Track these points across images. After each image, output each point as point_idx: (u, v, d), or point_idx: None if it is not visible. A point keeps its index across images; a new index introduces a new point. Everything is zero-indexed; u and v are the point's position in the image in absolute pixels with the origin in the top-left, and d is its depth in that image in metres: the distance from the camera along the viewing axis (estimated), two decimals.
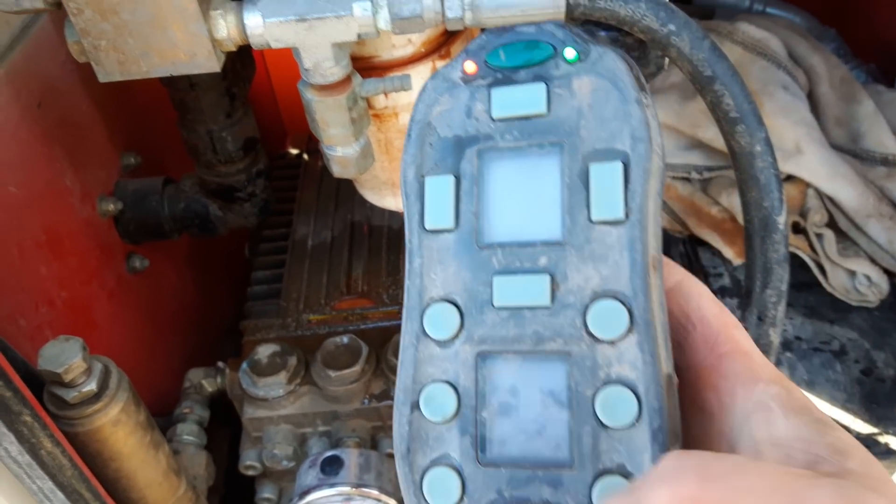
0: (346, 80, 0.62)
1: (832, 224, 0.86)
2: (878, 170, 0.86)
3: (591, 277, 0.26)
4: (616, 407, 0.25)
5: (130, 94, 1.04)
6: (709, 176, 0.92)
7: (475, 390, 0.27)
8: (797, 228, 0.88)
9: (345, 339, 0.89)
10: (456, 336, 0.28)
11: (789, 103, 0.86)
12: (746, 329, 0.62)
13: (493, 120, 0.28)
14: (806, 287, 0.87)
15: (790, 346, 0.83)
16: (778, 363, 0.82)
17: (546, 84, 0.27)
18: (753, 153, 0.59)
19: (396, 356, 0.87)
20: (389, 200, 0.84)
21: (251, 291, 1.03)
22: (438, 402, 0.28)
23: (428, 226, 0.29)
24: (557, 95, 0.27)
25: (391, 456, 0.86)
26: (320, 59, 0.59)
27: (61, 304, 0.83)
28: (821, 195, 0.85)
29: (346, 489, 0.77)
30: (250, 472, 0.89)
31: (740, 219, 0.91)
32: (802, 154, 0.84)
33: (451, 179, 0.28)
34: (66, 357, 0.62)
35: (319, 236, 1.10)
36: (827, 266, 0.85)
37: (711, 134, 0.91)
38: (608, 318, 0.26)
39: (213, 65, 0.58)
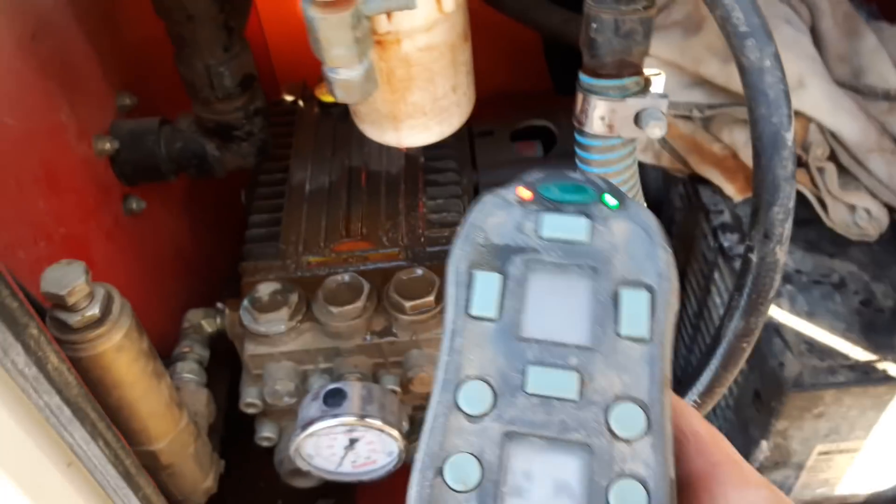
0: None
1: (833, 159, 0.86)
2: (880, 104, 0.86)
3: (615, 382, 0.31)
4: (628, 499, 0.29)
5: (125, 33, 1.03)
6: (710, 114, 0.92)
7: (498, 466, 0.31)
8: (799, 162, 0.88)
9: (346, 276, 0.89)
10: (487, 413, 0.31)
11: (792, 37, 0.86)
12: (752, 248, 0.63)
13: (540, 238, 0.33)
14: (806, 223, 0.88)
15: (790, 279, 0.83)
16: (778, 294, 0.83)
17: (589, 219, 0.32)
18: (763, 68, 0.58)
19: (398, 294, 0.86)
20: (390, 135, 0.83)
21: (249, 234, 1.02)
22: (463, 472, 0.31)
23: (472, 312, 0.32)
24: (598, 230, 0.32)
25: (393, 391, 0.86)
26: None
27: (59, 240, 0.83)
28: (822, 130, 0.85)
29: (350, 420, 0.77)
30: (251, 410, 0.89)
31: (742, 155, 0.91)
32: (805, 88, 0.84)
33: (498, 276, 0.33)
34: (69, 279, 0.62)
35: (317, 181, 1.10)
36: (828, 200, 0.85)
37: (714, 70, 0.90)
38: (628, 419, 0.30)
39: None
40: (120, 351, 0.65)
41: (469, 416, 0.31)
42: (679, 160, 0.96)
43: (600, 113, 0.70)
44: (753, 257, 0.63)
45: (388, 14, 0.69)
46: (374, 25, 0.68)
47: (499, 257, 0.33)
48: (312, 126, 1.19)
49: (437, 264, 0.95)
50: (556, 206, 0.33)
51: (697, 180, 0.97)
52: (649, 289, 0.31)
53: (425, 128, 0.82)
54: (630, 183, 0.77)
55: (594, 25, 0.67)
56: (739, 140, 0.90)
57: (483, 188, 1.18)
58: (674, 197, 1.02)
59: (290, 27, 1.51)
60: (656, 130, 0.68)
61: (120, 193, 0.98)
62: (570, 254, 0.32)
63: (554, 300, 0.32)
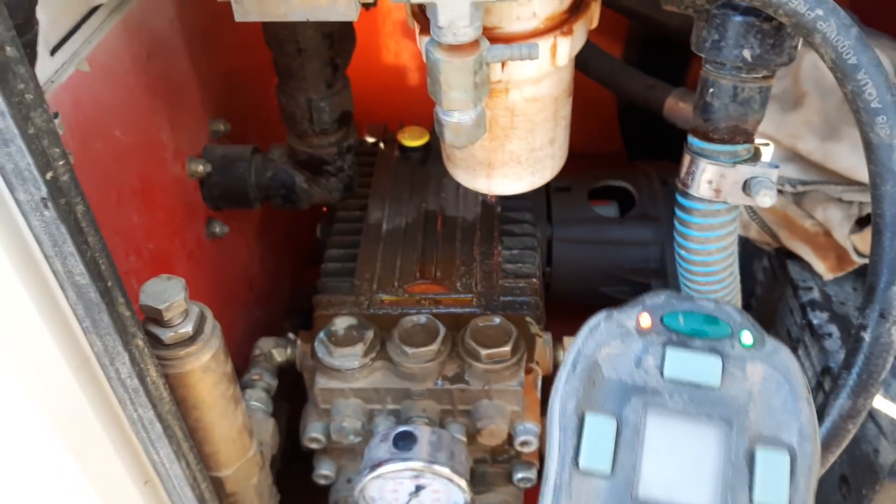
0: (476, 42, 0.62)
1: None
2: None
3: None
4: None
5: (224, 60, 1.06)
6: (803, 190, 0.90)
7: None
8: None
9: (422, 318, 0.88)
10: None
11: None
12: (866, 326, 0.60)
13: (663, 377, 0.29)
14: None
15: None
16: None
17: (722, 359, 0.28)
18: (892, 145, 0.57)
19: (474, 341, 0.85)
20: (482, 182, 0.83)
21: (325, 268, 1.03)
22: None
23: (582, 465, 0.28)
24: (731, 374, 0.28)
25: (461, 440, 0.84)
26: (456, 17, 0.59)
27: (147, 256, 0.84)
28: None
29: (418, 465, 0.75)
30: (314, 446, 0.88)
31: (834, 234, 0.89)
32: None
33: (613, 423, 0.28)
34: (169, 294, 0.62)
35: (393, 222, 1.10)
36: None
37: (811, 146, 0.89)
38: None
39: (351, 13, 0.58)
40: (206, 371, 0.65)
41: None
42: (768, 233, 0.94)
43: (709, 177, 0.69)
44: (866, 336, 0.60)
45: (503, 63, 0.69)
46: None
47: (614, 398, 0.29)
48: (391, 168, 1.20)
49: (511, 314, 0.94)
50: (683, 341, 0.29)
51: (785, 255, 0.95)
52: (788, 449, 0.27)
53: (518, 177, 0.82)
54: (729, 251, 0.76)
55: (712, 90, 0.67)
56: (833, 218, 0.88)
57: (557, 243, 1.17)
58: (757, 270, 1.00)
59: (373, 70, 1.55)
60: (766, 199, 0.67)
61: (205, 216, 0.99)
62: (697, 400, 0.28)
63: (677, 455, 0.28)
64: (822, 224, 0.90)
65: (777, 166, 0.69)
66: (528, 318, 0.94)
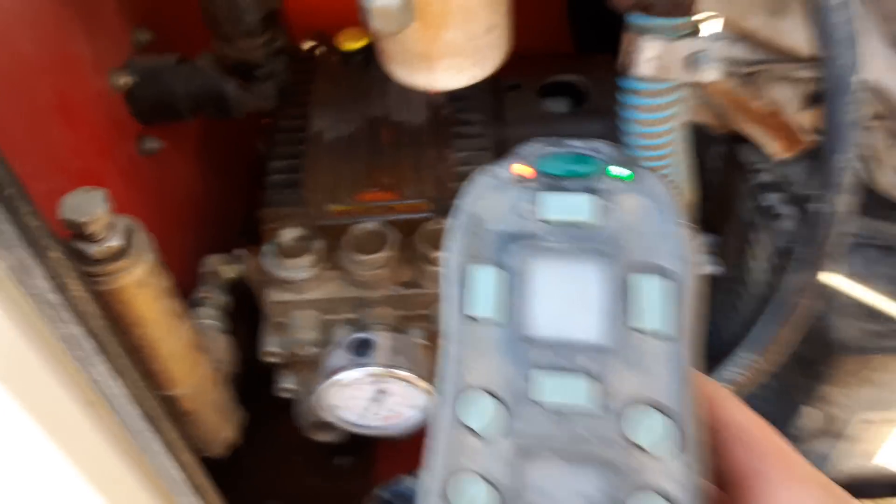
0: None
1: (881, 119, 0.83)
2: None
3: (632, 384, 0.27)
4: None
5: None
6: (753, 70, 0.88)
7: (511, 488, 0.28)
8: None
9: (371, 225, 0.86)
10: (493, 428, 0.28)
11: None
12: (814, 197, 0.60)
13: (541, 221, 0.29)
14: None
15: None
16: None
17: (596, 196, 0.28)
18: (830, 6, 0.55)
19: (428, 244, 0.83)
20: (422, 76, 0.80)
21: (270, 180, 0.99)
22: (472, 496, 0.28)
23: (469, 312, 0.29)
24: (605, 208, 0.28)
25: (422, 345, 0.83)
26: None
27: (75, 174, 0.79)
28: (871, 89, 0.82)
29: (378, 370, 0.74)
30: (272, 360, 0.86)
31: (785, 112, 0.87)
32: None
33: (496, 270, 0.29)
34: (90, 206, 0.58)
35: (338, 130, 1.06)
36: (873, 163, 0.82)
37: (759, 23, 0.86)
38: (648, 427, 0.27)
39: None
40: (142, 286, 0.62)
41: (475, 433, 0.28)
42: (718, 117, 0.92)
43: (650, 54, 0.67)
44: (810, 208, 0.60)
45: None
46: None
47: (495, 247, 0.29)
48: (332, 75, 1.15)
49: None
50: (558, 183, 0.29)
51: (736, 140, 0.93)
52: (666, 273, 0.27)
53: (459, 69, 0.79)
54: (676, 133, 0.74)
55: None
56: (784, 97, 0.87)
57: (512, 143, 1.14)
58: (710, 157, 0.98)
59: None
60: (710, 73, 0.65)
61: (135, 132, 0.94)
62: (575, 238, 0.28)
63: (562, 293, 0.28)
64: (773, 104, 0.88)
65: (722, 38, 0.66)
66: None
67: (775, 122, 0.89)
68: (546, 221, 0.29)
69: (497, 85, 1.21)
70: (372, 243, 0.84)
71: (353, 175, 0.99)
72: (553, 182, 0.29)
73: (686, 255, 0.27)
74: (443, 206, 0.94)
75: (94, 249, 0.59)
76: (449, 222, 0.30)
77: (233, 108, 0.93)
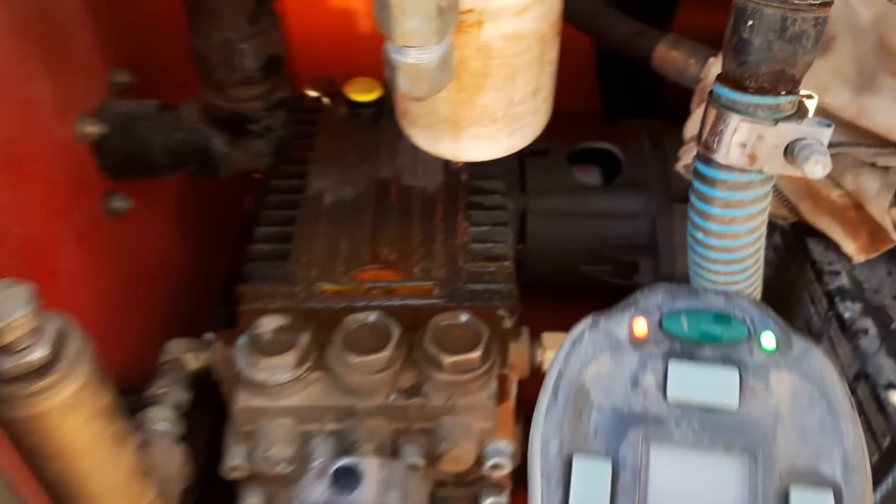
0: None
1: None
2: None
3: None
4: None
5: None
6: (831, 153, 0.75)
7: None
8: None
9: (371, 316, 0.71)
10: None
11: None
12: None
13: (666, 401, 0.25)
14: None
15: None
16: None
17: (739, 371, 0.25)
18: None
19: (436, 344, 0.69)
20: (446, 145, 0.66)
21: (253, 250, 0.85)
22: None
23: None
24: (751, 390, 0.25)
25: (416, 467, 0.68)
26: None
27: (15, 243, 0.65)
28: None
29: None
30: (235, 475, 0.71)
31: (869, 207, 0.74)
32: None
33: (607, 467, 0.24)
34: (7, 308, 0.44)
35: (338, 193, 0.92)
36: None
37: (842, 100, 0.74)
38: None
39: None
40: (70, 410, 0.47)
41: None
42: (786, 205, 0.79)
43: (742, 138, 0.53)
44: None
45: None
46: None
47: (608, 434, 0.25)
48: (338, 128, 1.02)
49: (480, 306, 0.78)
50: (689, 350, 0.25)
51: (803, 230, 0.80)
52: (833, 486, 0.23)
53: (492, 139, 0.65)
54: (758, 233, 0.60)
55: (751, 23, 0.50)
56: (869, 187, 0.73)
57: (532, 216, 1.00)
58: (767, 248, 0.85)
59: (320, 13, 1.35)
60: (818, 168, 0.51)
61: (102, 188, 0.80)
62: (711, 427, 0.24)
63: (689, 500, 0.24)
64: (854, 194, 0.75)
65: (830, 125, 0.53)
66: (500, 311, 0.78)
67: (857, 216, 0.75)
68: (674, 402, 0.25)
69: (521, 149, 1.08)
70: (369, 340, 0.69)
71: (352, 248, 0.85)
72: (684, 348, 0.26)
73: (856, 461, 0.23)
74: (455, 290, 0.80)
75: (8, 364, 0.44)
76: (543, 390, 0.25)
77: (219, 166, 0.79)
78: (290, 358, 0.68)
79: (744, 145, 0.53)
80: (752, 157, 0.54)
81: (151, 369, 0.80)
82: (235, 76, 0.70)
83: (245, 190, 1.02)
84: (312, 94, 1.07)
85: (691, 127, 0.81)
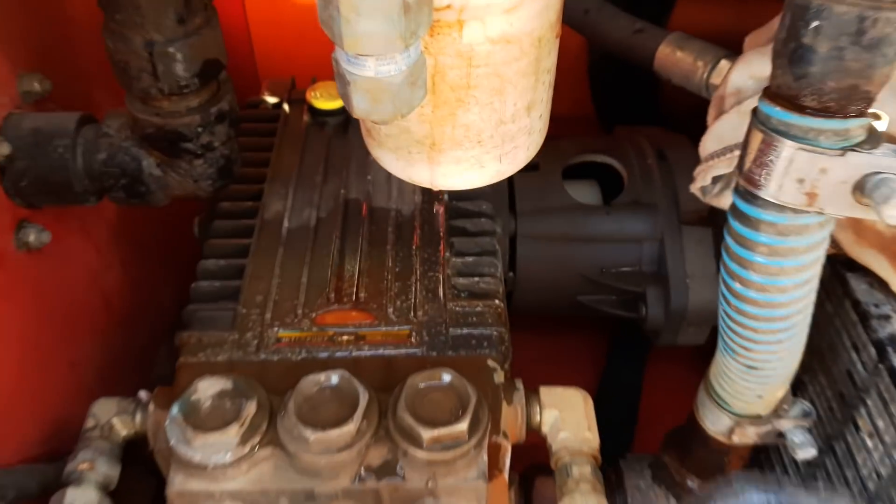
0: None
1: None
2: None
3: None
4: None
5: None
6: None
7: None
8: None
9: (334, 376, 0.59)
10: None
11: None
12: None
13: None
14: None
15: None
16: None
17: None
18: None
19: (412, 414, 0.56)
20: (421, 170, 0.54)
21: (196, 288, 0.72)
22: None
23: None
24: None
25: None
26: None
27: None
28: None
29: None
30: None
31: None
32: None
33: None
34: None
35: (299, 217, 0.80)
36: None
37: (890, 110, 0.62)
38: None
39: None
40: None
41: None
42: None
43: (799, 171, 0.41)
44: None
45: None
46: None
47: None
48: (299, 140, 0.89)
49: (466, 356, 0.66)
50: None
51: (843, 265, 0.68)
52: None
53: (478, 164, 0.53)
54: (810, 286, 0.49)
55: (815, 25, 0.38)
56: None
57: (523, 241, 0.88)
58: None
59: (281, 10, 1.22)
60: None
61: (12, 219, 0.67)
62: None
63: None
64: None
65: None
66: (489, 361, 0.66)
67: None
68: None
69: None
70: (331, 408, 0.57)
71: (315, 284, 0.73)
72: None
73: None
74: (436, 336, 0.68)
75: None
76: None
77: (151, 192, 0.66)
78: (232, 433, 0.55)
79: (801, 181, 0.41)
80: (811, 196, 0.42)
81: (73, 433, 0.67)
82: (164, 86, 0.58)
83: (195, 209, 0.89)
84: (271, 100, 0.94)
85: (709, 143, 0.69)
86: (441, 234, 0.78)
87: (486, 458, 0.58)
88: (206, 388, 0.58)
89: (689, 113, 0.83)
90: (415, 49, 0.36)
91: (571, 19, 0.94)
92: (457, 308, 0.71)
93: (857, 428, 0.65)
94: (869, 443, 0.64)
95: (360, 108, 0.37)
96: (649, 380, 1.04)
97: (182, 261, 1.02)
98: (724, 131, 0.70)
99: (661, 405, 0.92)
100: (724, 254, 0.49)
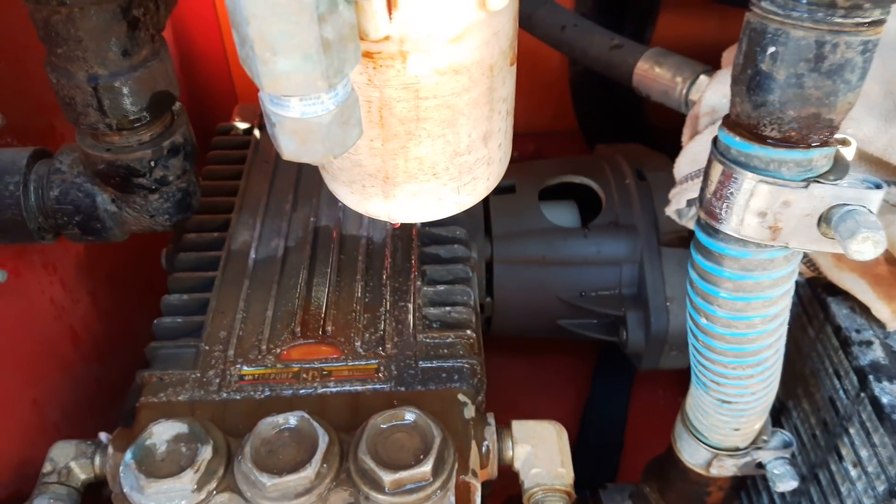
0: None
1: None
2: None
3: None
4: None
5: None
6: None
7: None
8: None
9: (292, 419, 0.56)
10: None
11: None
12: None
13: None
14: None
15: None
16: None
17: None
18: None
19: (373, 457, 0.54)
20: (377, 204, 0.52)
21: (158, 325, 0.70)
22: None
23: None
24: None
25: None
26: None
27: None
28: None
29: None
30: None
31: None
32: None
33: None
34: None
35: (267, 247, 0.78)
36: None
37: (867, 131, 0.60)
38: None
39: None
40: None
41: None
42: (805, 262, 0.65)
43: (761, 204, 0.39)
44: None
45: (390, 3, 0.37)
46: (361, 24, 0.36)
47: None
48: (269, 166, 0.87)
49: (437, 391, 0.64)
50: None
51: (823, 287, 0.66)
52: None
53: (435, 196, 0.51)
54: (780, 321, 0.46)
55: (772, 51, 0.36)
56: None
57: (500, 265, 0.86)
58: None
59: None
60: (867, 246, 0.37)
61: None
62: None
63: None
64: (889, 248, 0.61)
65: (881, 185, 0.39)
66: (460, 395, 0.63)
67: (890, 273, 0.62)
68: None
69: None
70: (289, 452, 0.55)
71: (281, 317, 0.70)
72: None
73: None
74: (404, 370, 0.66)
75: None
76: None
77: (107, 228, 0.64)
78: (186, 479, 0.53)
79: (763, 214, 0.39)
80: (775, 230, 0.40)
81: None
82: (112, 121, 0.56)
83: (167, 237, 0.87)
84: (242, 126, 0.92)
85: (683, 165, 0.67)
86: (413, 261, 0.76)
87: (453, 499, 0.56)
88: (162, 433, 0.56)
89: (674, 128, 0.81)
90: (343, 87, 0.34)
91: (549, 36, 0.92)
92: (427, 339, 0.68)
93: (840, 457, 0.63)
94: (853, 472, 0.62)
95: (288, 150, 0.35)
96: (635, 403, 1.02)
97: (157, 289, 1.00)
98: (697, 152, 0.68)
99: (648, 429, 0.90)
100: (688, 288, 0.47)
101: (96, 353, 0.87)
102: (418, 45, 0.40)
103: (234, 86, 1.24)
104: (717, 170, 0.41)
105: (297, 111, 0.33)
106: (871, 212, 0.38)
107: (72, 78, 0.54)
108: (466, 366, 0.66)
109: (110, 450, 0.61)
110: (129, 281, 0.95)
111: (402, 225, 0.80)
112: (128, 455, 0.55)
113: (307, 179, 0.86)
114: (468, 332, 0.69)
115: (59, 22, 0.52)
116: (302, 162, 0.35)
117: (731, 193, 0.40)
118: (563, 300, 0.86)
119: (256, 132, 0.92)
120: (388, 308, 0.71)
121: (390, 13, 0.38)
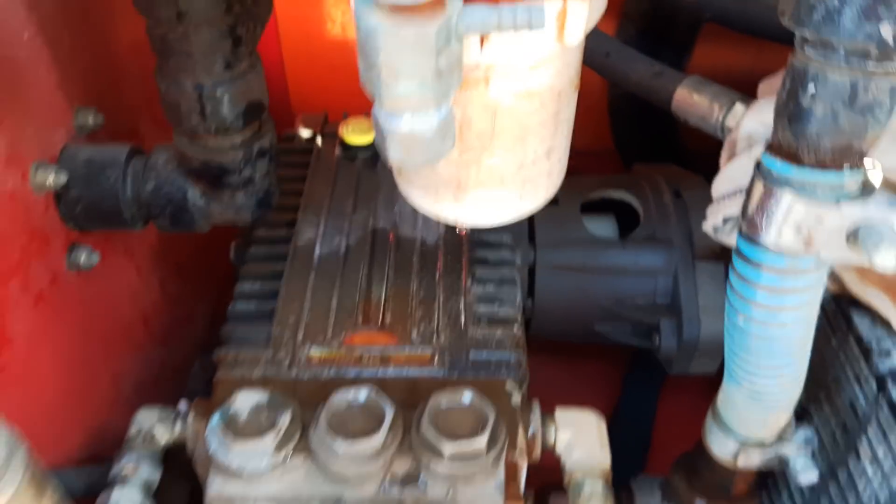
0: (439, 1, 0.36)
1: None
2: None
3: None
4: None
5: (96, 30, 0.78)
6: None
7: None
8: None
9: (362, 393, 0.63)
10: None
11: None
12: None
13: None
14: None
15: None
16: None
17: None
18: None
19: (435, 428, 0.60)
20: (448, 207, 0.58)
21: (232, 309, 0.77)
22: None
23: None
24: None
25: None
26: None
27: None
28: None
29: None
30: None
31: None
32: None
33: None
34: None
35: (330, 244, 0.84)
36: None
37: (890, 162, 0.66)
38: None
39: None
40: None
41: None
42: (830, 277, 0.71)
43: (797, 219, 0.45)
44: None
45: (483, 37, 0.44)
46: None
47: None
48: (331, 172, 0.94)
49: (485, 378, 0.70)
50: None
51: (847, 301, 0.71)
52: None
53: (500, 202, 0.57)
54: (808, 323, 0.52)
55: (813, 89, 0.42)
56: None
57: (542, 271, 0.92)
58: None
59: (315, 47, 1.28)
60: (889, 259, 0.43)
61: (65, 241, 0.72)
62: None
63: None
64: None
65: None
66: (507, 385, 0.70)
67: None
68: None
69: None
70: (359, 422, 0.61)
71: (344, 307, 0.77)
72: None
73: None
74: (457, 359, 0.72)
75: None
76: None
77: (195, 220, 0.71)
78: (268, 441, 0.60)
79: (799, 228, 0.45)
80: (808, 242, 0.46)
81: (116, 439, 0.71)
82: (210, 125, 0.63)
83: (229, 233, 0.94)
84: (305, 133, 0.99)
85: (721, 185, 0.73)
86: (463, 263, 0.82)
87: (503, 472, 0.62)
88: (244, 401, 0.62)
89: (705, 151, 0.87)
90: (446, 106, 0.40)
91: (593, 62, 0.99)
92: (477, 333, 0.75)
93: (858, 456, 0.68)
94: (869, 470, 0.67)
95: (395, 158, 0.41)
96: (663, 406, 1.07)
97: (215, 282, 1.07)
98: (735, 173, 0.74)
99: (673, 431, 0.96)
100: (728, 291, 0.53)
101: (163, 336, 0.94)
102: (500, 73, 0.47)
103: (290, 97, 1.31)
104: (759, 188, 0.47)
105: (408, 126, 0.40)
106: (894, 229, 0.44)
107: (180, 86, 0.61)
108: (513, 358, 0.72)
109: (191, 417, 0.68)
110: (192, 271, 1.02)
111: (451, 229, 0.86)
112: (214, 419, 0.61)
113: (366, 185, 0.92)
114: (514, 327, 0.75)
115: (174, 38, 0.59)
116: (405, 166, 0.42)
117: (771, 209, 0.46)
118: (600, 306, 0.91)
119: (319, 140, 0.99)
120: (440, 303, 0.78)
121: (482, 45, 0.44)
